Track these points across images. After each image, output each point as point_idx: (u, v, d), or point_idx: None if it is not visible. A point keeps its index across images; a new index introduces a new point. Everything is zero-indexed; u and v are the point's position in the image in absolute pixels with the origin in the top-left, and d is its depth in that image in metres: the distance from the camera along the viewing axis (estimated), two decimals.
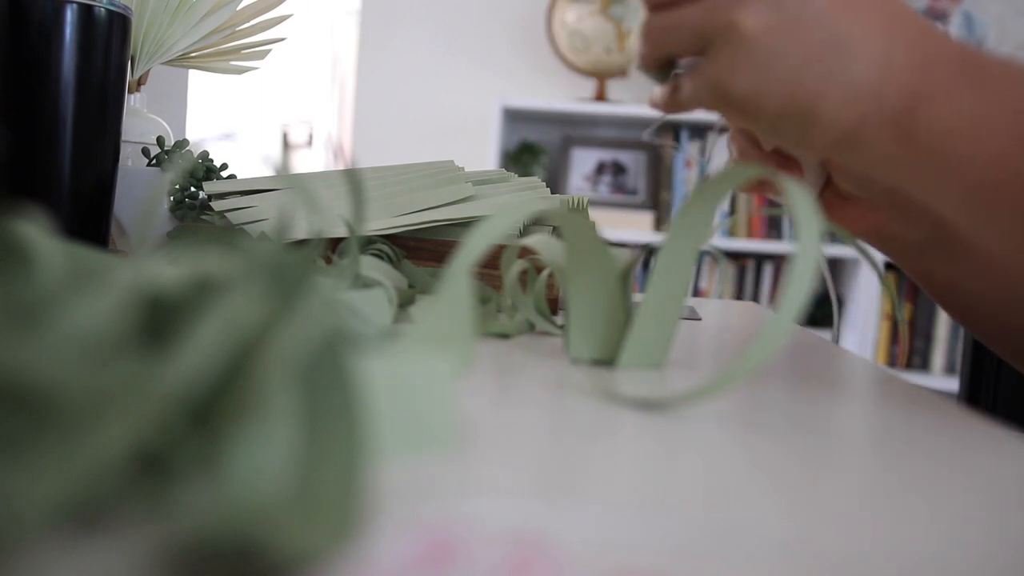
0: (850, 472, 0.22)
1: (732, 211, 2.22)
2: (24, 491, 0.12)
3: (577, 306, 0.36)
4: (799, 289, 0.26)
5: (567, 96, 2.32)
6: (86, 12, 0.47)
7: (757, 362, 0.26)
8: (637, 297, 0.44)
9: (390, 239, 0.57)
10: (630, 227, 2.14)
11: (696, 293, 2.22)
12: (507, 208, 0.28)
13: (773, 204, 2.22)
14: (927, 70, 0.34)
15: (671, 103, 0.39)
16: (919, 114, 0.34)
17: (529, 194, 0.60)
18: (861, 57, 0.34)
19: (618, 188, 2.30)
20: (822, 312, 2.16)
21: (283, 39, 0.78)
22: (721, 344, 0.49)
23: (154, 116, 0.71)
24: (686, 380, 0.34)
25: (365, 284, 0.41)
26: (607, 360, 0.37)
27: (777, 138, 0.38)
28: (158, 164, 0.65)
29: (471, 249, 0.27)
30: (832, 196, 0.48)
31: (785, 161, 0.47)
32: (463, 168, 0.60)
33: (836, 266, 2.26)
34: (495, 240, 0.27)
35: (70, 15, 0.47)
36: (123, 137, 0.53)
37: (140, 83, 0.71)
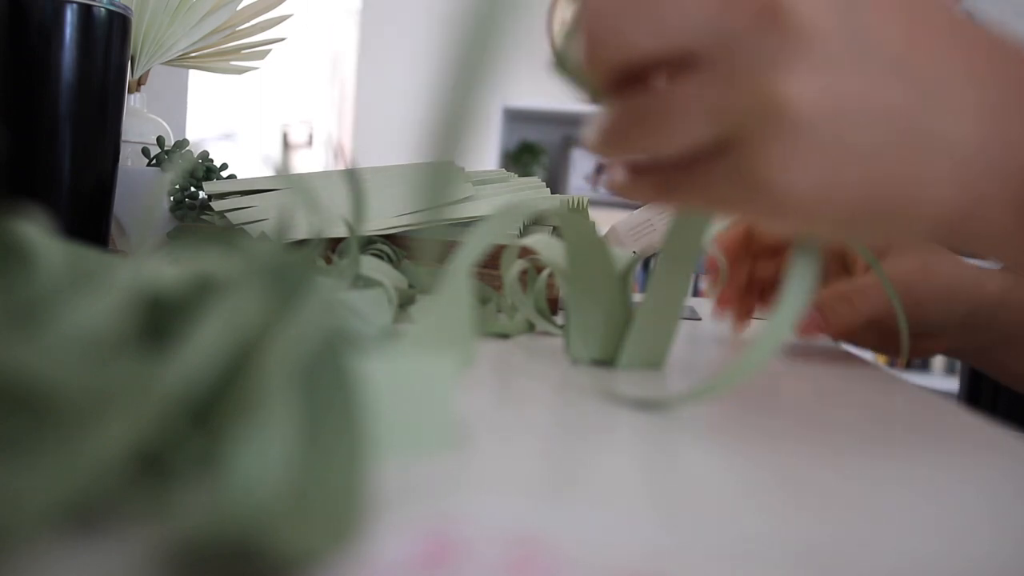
0: (850, 472, 0.22)
1: None
2: (24, 491, 0.12)
3: (577, 306, 0.36)
4: (799, 292, 0.26)
5: (567, 96, 2.32)
6: (86, 12, 0.47)
7: (755, 365, 0.26)
8: (637, 297, 0.44)
9: (390, 239, 0.57)
10: None
11: (696, 293, 2.22)
12: (507, 208, 0.28)
13: None
14: None
15: (662, 200, 0.27)
16: None
17: (529, 194, 0.60)
18: (953, 111, 0.24)
19: None
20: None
21: (283, 39, 0.78)
22: (721, 344, 0.49)
23: (154, 116, 0.71)
24: (686, 381, 0.34)
25: (365, 284, 0.41)
26: (607, 361, 0.37)
27: (840, 238, 0.29)
28: (158, 164, 0.65)
29: (471, 249, 0.27)
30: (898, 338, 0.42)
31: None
32: (463, 168, 0.60)
33: None
34: (494, 240, 0.27)
35: (70, 15, 0.47)
36: (123, 137, 0.53)
37: (140, 83, 0.71)
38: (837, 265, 0.50)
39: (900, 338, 0.43)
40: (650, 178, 0.27)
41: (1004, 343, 0.45)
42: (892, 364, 2.15)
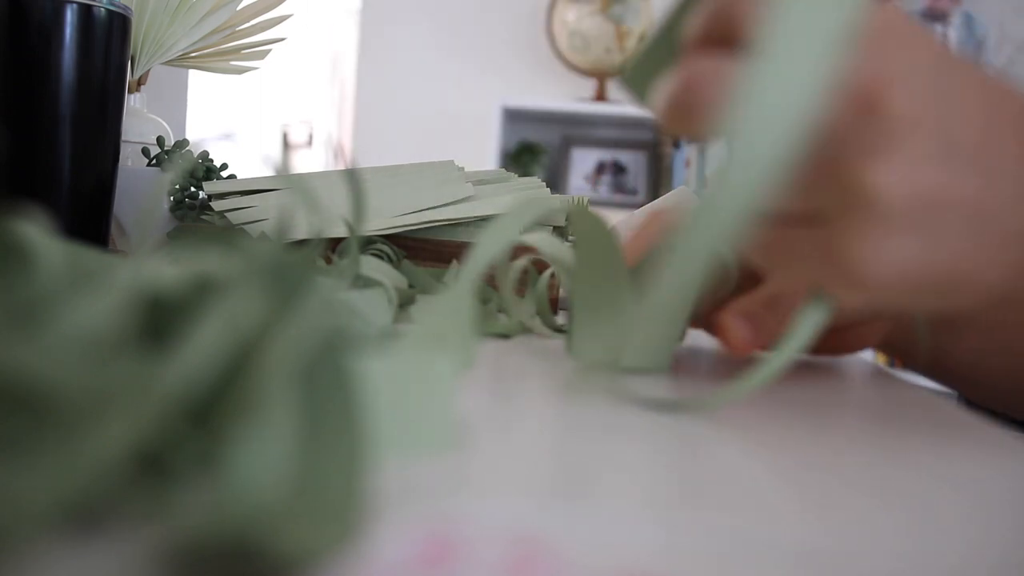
0: (849, 472, 0.22)
1: None
2: (24, 491, 0.12)
3: (582, 305, 0.36)
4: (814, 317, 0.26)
5: (567, 96, 2.32)
6: (86, 12, 0.47)
7: (760, 381, 0.26)
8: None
9: (390, 239, 0.57)
10: None
11: None
12: (520, 205, 0.28)
13: None
14: None
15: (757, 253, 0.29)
16: None
17: (529, 194, 0.60)
18: (1013, 199, 0.26)
19: (618, 188, 2.30)
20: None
21: (283, 39, 0.78)
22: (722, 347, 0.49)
23: (154, 116, 0.71)
24: (688, 383, 0.34)
25: (365, 284, 0.41)
26: (609, 361, 0.36)
27: (900, 307, 0.31)
28: (158, 164, 0.65)
29: (487, 247, 0.27)
30: (829, 333, 0.40)
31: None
32: (463, 168, 0.60)
33: None
34: (509, 238, 0.27)
35: (70, 15, 0.47)
36: (123, 137, 0.53)
37: (140, 83, 0.71)
38: (746, 272, 0.42)
39: (831, 336, 0.40)
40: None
41: (945, 328, 0.41)
42: (892, 364, 2.15)
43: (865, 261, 0.25)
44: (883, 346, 0.45)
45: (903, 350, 0.45)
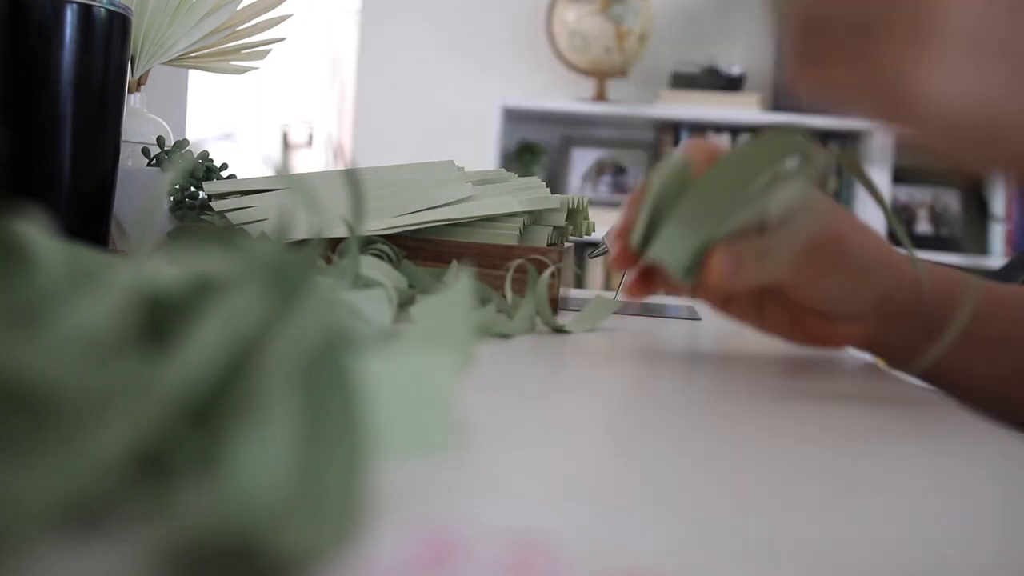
0: (849, 472, 0.22)
1: None
2: (24, 491, 0.12)
3: (683, 211, 0.35)
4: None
5: (567, 96, 2.32)
6: (86, 12, 0.47)
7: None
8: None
9: (390, 239, 0.57)
10: None
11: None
12: (761, 139, 0.29)
13: None
14: None
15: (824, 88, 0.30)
16: None
17: (529, 194, 0.60)
18: None
19: (618, 188, 2.30)
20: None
21: (283, 39, 0.78)
22: (721, 344, 0.49)
23: (154, 116, 0.71)
24: (682, 379, 0.34)
25: (365, 284, 0.41)
26: (685, 271, 0.36)
27: (958, 156, 0.31)
28: (158, 164, 0.65)
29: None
30: (809, 317, 0.41)
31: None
32: (463, 168, 0.60)
33: None
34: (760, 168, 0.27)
35: (70, 15, 0.47)
36: (123, 137, 0.53)
37: (140, 83, 0.71)
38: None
39: (804, 319, 0.40)
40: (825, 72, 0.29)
41: (926, 338, 0.41)
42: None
43: (919, 81, 0.26)
44: (865, 347, 0.44)
45: (887, 353, 0.45)
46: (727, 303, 0.42)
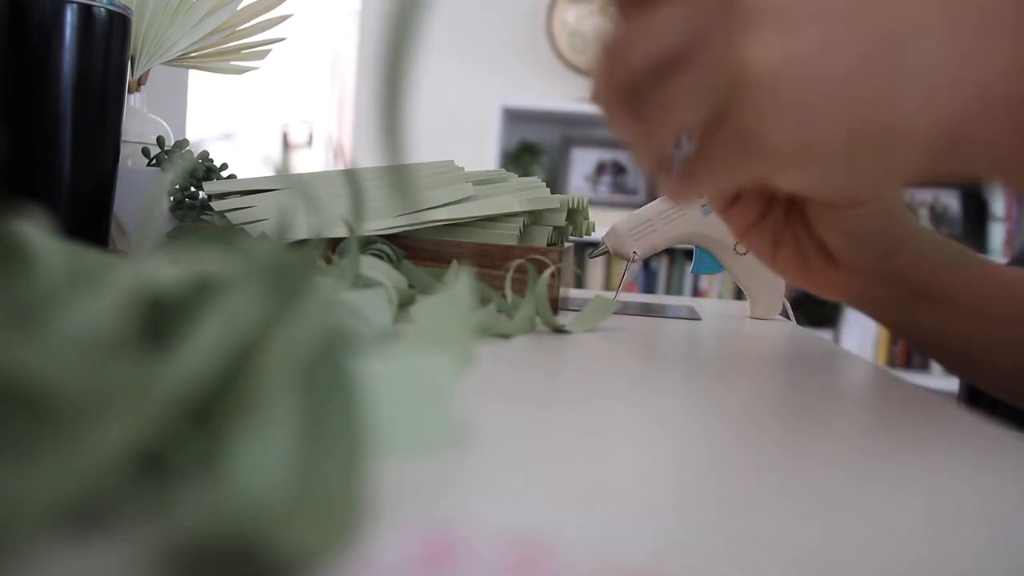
0: (849, 472, 0.22)
1: None
2: (24, 491, 0.12)
3: None
4: None
5: (567, 96, 2.32)
6: (86, 12, 0.47)
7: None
8: (630, 295, 0.43)
9: (390, 239, 0.57)
10: None
11: (696, 293, 2.22)
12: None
13: None
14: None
15: (688, 186, 0.30)
16: None
17: (529, 194, 0.60)
18: (919, 41, 0.25)
19: (618, 188, 2.30)
20: (822, 312, 2.16)
21: (283, 39, 0.78)
22: (721, 344, 0.49)
23: (154, 116, 0.71)
24: (682, 379, 0.34)
25: (365, 284, 0.41)
26: None
27: (851, 184, 0.30)
28: (158, 164, 0.65)
29: None
30: (817, 260, 0.40)
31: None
32: (463, 168, 0.60)
33: None
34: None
35: (70, 15, 0.47)
36: (123, 137, 0.53)
37: (140, 83, 0.71)
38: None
39: (812, 262, 0.39)
40: (684, 175, 0.30)
41: (922, 294, 0.41)
42: (892, 364, 2.15)
43: (763, 137, 0.26)
44: (860, 302, 0.44)
45: (879, 313, 0.45)
46: (746, 234, 0.41)
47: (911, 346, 0.47)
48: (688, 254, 2.17)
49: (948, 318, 0.43)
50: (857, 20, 0.25)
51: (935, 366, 2.14)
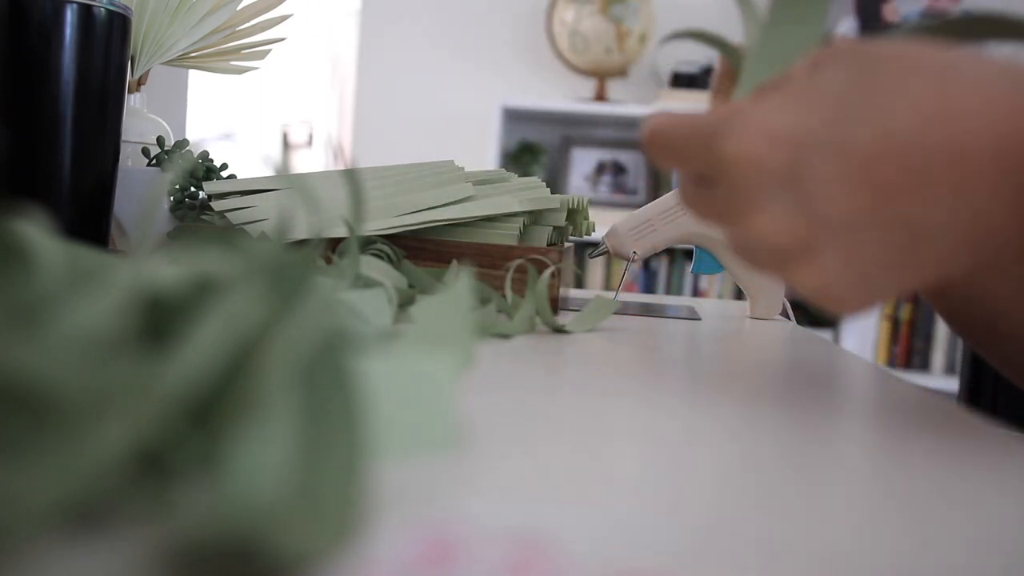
0: (850, 472, 0.22)
1: None
2: (24, 491, 0.12)
3: (767, 46, 0.34)
4: None
5: (567, 96, 2.32)
6: (86, 12, 0.47)
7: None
8: (625, 295, 0.43)
9: (390, 239, 0.57)
10: None
11: (696, 293, 2.22)
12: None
13: None
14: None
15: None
16: None
17: (529, 194, 0.60)
18: (935, 235, 0.26)
19: (618, 188, 2.30)
20: (822, 312, 2.16)
21: (283, 39, 0.78)
22: (721, 344, 0.49)
23: (154, 116, 0.71)
24: (682, 379, 0.34)
25: (365, 284, 0.41)
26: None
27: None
28: (158, 164, 0.65)
29: None
30: None
31: None
32: (463, 168, 0.60)
33: None
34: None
35: (70, 15, 0.47)
36: (123, 137, 0.53)
37: (140, 83, 0.71)
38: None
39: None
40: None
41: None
42: (892, 364, 2.15)
43: (822, 294, 0.28)
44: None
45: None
46: None
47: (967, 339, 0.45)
48: (688, 254, 2.17)
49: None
50: (876, 224, 0.26)
51: (935, 366, 2.14)
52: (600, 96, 2.23)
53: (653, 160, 0.32)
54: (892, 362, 2.16)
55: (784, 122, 0.27)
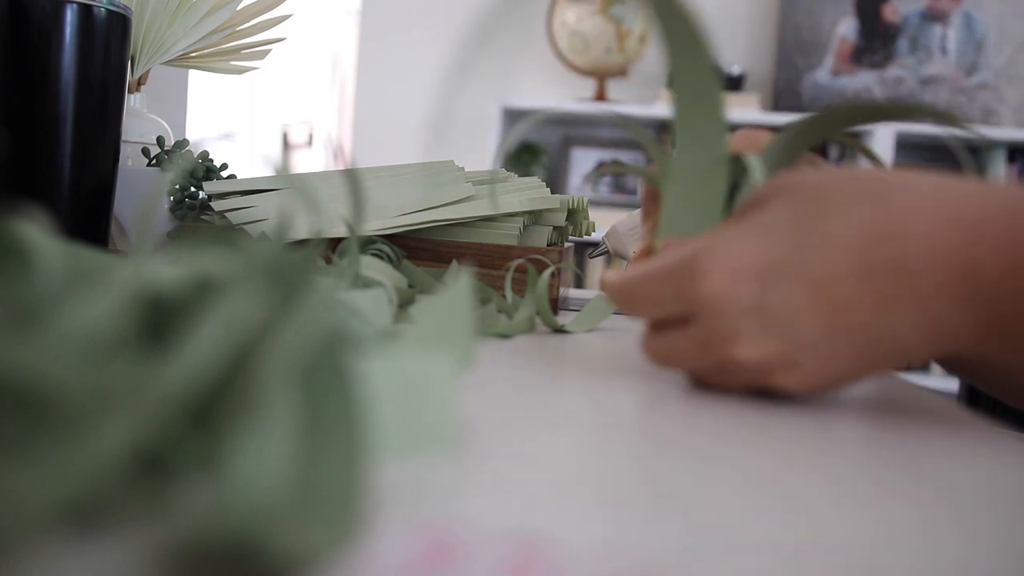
0: (850, 472, 0.22)
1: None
2: (24, 491, 0.12)
3: (675, 189, 0.35)
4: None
5: (567, 96, 2.32)
6: (86, 12, 0.47)
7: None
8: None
9: (390, 239, 0.57)
10: None
11: None
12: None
13: None
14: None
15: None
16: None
17: (529, 194, 0.60)
18: (897, 333, 0.29)
19: (618, 188, 2.30)
20: None
21: (283, 39, 0.78)
22: None
23: (154, 116, 0.71)
24: (682, 379, 0.34)
25: (365, 284, 0.41)
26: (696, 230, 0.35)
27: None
28: (158, 164, 0.65)
29: None
30: None
31: None
32: (463, 168, 0.60)
33: None
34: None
35: (70, 15, 0.47)
36: (123, 137, 0.53)
37: (140, 83, 0.71)
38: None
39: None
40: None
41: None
42: None
43: (785, 388, 0.30)
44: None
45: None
46: None
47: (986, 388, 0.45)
48: None
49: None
50: (843, 335, 0.29)
51: (935, 366, 2.14)
52: (600, 96, 2.23)
53: (629, 313, 0.33)
54: None
55: (748, 258, 0.29)
